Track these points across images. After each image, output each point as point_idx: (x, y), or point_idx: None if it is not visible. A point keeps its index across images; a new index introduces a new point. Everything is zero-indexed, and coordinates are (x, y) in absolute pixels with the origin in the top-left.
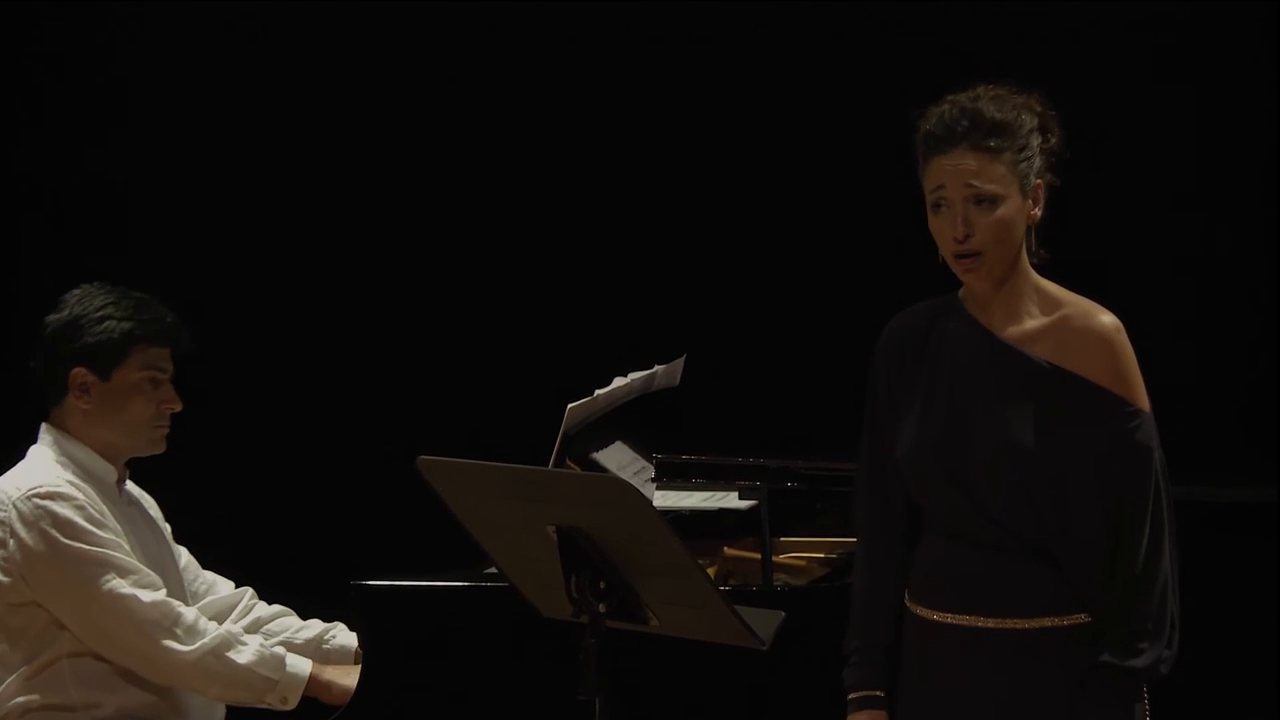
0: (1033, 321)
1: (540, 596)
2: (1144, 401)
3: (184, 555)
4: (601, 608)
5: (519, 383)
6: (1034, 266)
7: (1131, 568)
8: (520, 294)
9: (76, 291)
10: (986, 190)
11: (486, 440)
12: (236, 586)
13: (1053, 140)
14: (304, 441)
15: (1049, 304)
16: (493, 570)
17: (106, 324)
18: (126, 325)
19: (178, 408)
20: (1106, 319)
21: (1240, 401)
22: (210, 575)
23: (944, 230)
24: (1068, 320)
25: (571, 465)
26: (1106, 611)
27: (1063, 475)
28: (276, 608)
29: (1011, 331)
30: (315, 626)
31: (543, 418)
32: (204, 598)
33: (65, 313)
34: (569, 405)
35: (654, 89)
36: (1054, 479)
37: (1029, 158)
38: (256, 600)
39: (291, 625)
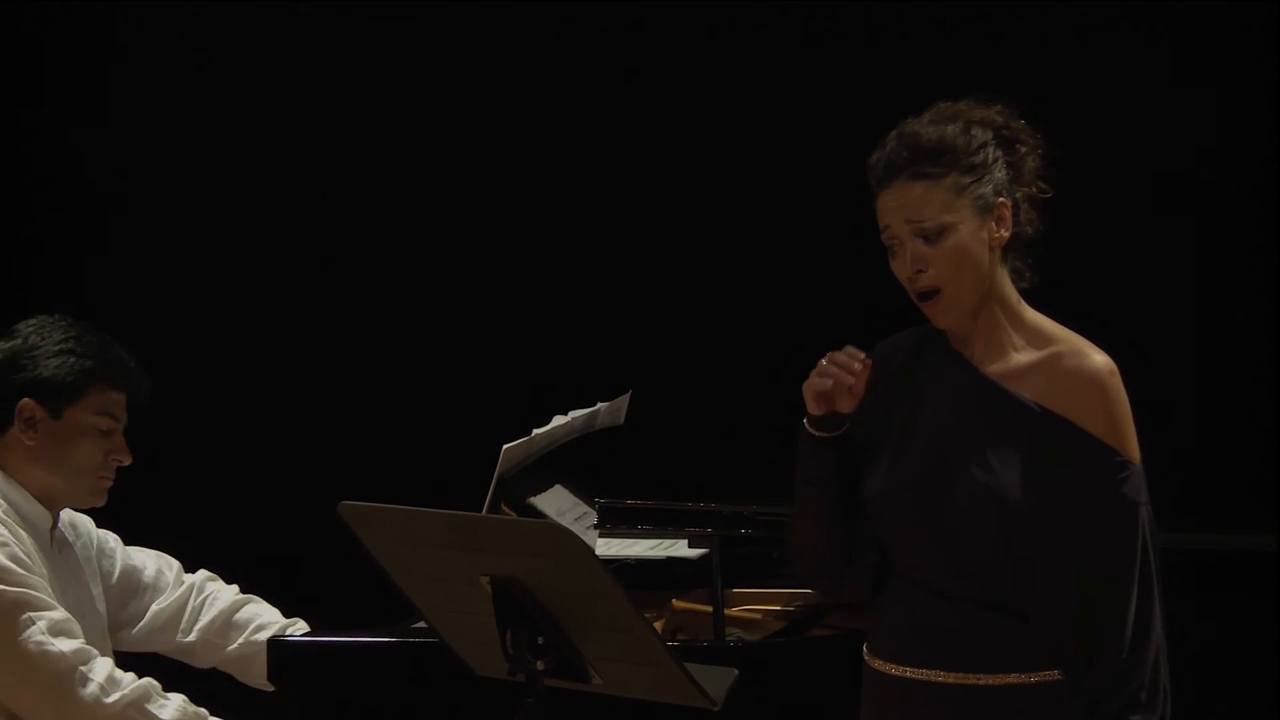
0: (1019, 357)
1: (473, 653)
2: (1134, 452)
3: (116, 562)
4: (540, 665)
5: (450, 422)
6: (1024, 292)
7: (1120, 633)
8: (452, 327)
9: (34, 321)
10: (931, 223)
11: (415, 484)
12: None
13: (1023, 150)
14: (225, 485)
15: (1038, 339)
16: (422, 625)
17: (66, 358)
18: (87, 363)
19: (126, 461)
20: (1100, 359)
21: (1242, 441)
22: (149, 573)
23: (899, 271)
24: (1059, 359)
25: (507, 511)
26: (1095, 679)
27: (1043, 526)
28: (234, 595)
29: (996, 368)
30: (276, 621)
31: (476, 459)
32: (157, 596)
33: (19, 340)
34: (504, 446)
35: (592, 120)
36: (1034, 529)
37: (983, 176)
38: (214, 586)
39: (254, 618)
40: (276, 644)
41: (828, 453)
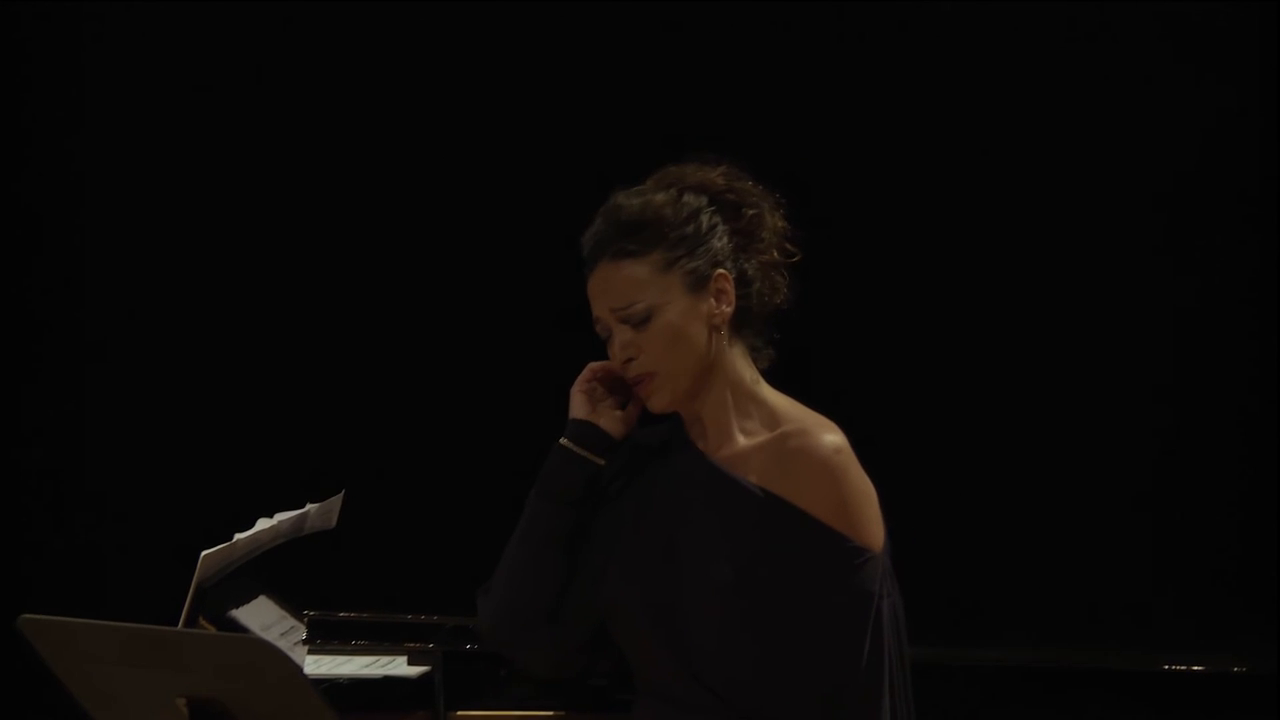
0: (747, 440)
1: None
2: (871, 538)
3: None
4: None
5: (142, 524)
6: (763, 370)
7: None
8: (141, 414)
9: None
10: (637, 307)
11: (106, 595)
12: None
13: (750, 214)
14: None
15: (769, 419)
16: None
17: None
18: None
19: None
20: (828, 439)
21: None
22: None
23: (612, 359)
24: (785, 439)
25: (205, 625)
26: None
27: (772, 623)
28: None
29: (725, 453)
30: None
31: (171, 567)
32: None
33: None
34: (203, 552)
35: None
36: (761, 627)
37: (695, 248)
38: None
39: None
40: None
41: (579, 475)
